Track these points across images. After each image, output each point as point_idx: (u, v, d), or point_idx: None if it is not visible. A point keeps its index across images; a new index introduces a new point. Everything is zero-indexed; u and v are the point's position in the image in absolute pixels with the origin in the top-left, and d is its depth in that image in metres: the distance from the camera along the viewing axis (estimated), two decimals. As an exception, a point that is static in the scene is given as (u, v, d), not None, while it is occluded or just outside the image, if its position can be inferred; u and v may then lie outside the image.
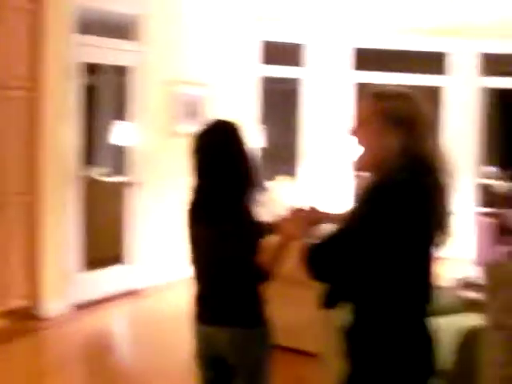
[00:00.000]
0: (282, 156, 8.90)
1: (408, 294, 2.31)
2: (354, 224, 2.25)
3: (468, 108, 8.89)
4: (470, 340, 3.46)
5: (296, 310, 5.04)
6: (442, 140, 2.30)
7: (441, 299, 4.56)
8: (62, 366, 5.23)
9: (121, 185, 7.16)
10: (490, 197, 10.93)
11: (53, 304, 6.08)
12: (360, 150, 2.38)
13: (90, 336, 5.84)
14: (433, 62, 9.19)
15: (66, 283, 6.21)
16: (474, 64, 8.82)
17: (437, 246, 2.38)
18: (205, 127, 2.92)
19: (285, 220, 2.65)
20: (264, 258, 2.76)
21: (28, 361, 5.32)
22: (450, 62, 8.92)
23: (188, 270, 2.96)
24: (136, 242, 7.06)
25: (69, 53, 6.08)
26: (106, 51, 6.67)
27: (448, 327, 3.94)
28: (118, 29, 6.88)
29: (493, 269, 3.15)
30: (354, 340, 2.36)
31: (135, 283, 7.04)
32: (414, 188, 2.22)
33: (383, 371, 2.30)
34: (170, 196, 7.12)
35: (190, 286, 2.95)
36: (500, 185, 11.41)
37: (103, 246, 7.34)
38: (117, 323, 6.38)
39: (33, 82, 5.85)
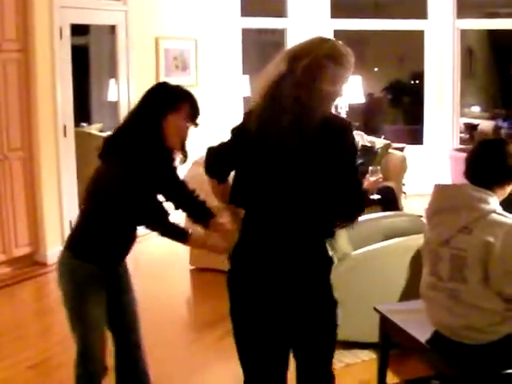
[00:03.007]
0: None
1: None
2: None
3: (448, 50, 9.18)
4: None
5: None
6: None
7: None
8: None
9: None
10: (473, 135, 11.27)
11: (54, 250, 6.55)
12: None
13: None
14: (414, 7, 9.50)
15: (65, 231, 6.67)
16: (450, 7, 9.09)
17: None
18: None
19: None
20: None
21: (34, 300, 5.84)
22: (428, 6, 9.21)
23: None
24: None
25: (55, 15, 6.43)
26: (91, 12, 7.02)
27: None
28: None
29: (440, 190, 3.23)
30: None
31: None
32: None
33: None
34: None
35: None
36: (485, 124, 11.71)
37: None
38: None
39: (24, 45, 6.22)
